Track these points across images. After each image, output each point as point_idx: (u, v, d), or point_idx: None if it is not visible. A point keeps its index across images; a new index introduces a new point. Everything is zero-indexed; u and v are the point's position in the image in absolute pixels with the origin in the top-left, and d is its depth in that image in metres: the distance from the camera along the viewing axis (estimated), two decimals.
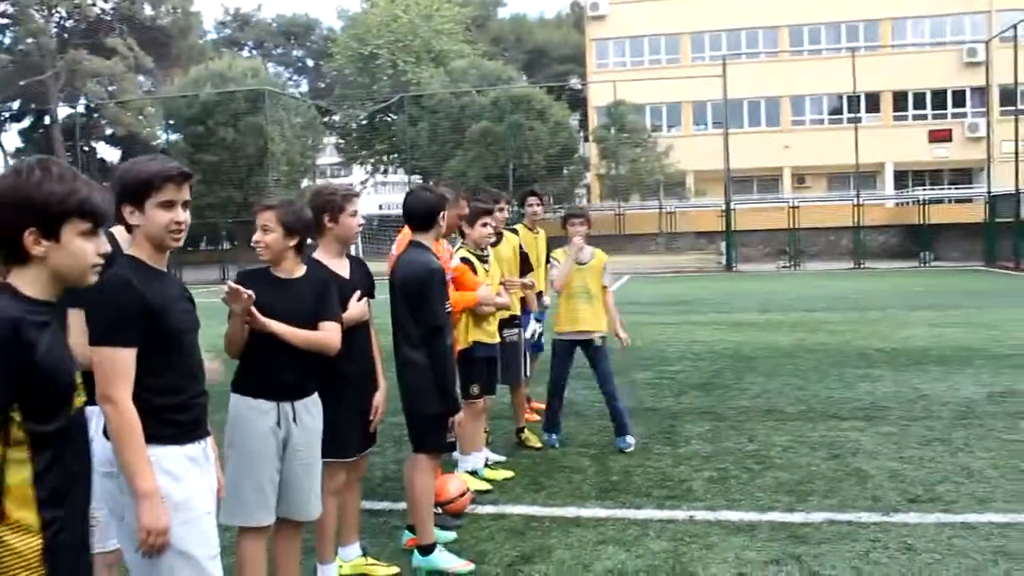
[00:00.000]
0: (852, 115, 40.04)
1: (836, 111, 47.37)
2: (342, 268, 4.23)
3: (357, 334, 4.14)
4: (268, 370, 3.64)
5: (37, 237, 2.09)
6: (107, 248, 2.22)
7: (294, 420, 3.68)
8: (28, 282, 2.10)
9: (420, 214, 4.64)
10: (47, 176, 2.10)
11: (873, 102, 45.47)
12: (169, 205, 2.74)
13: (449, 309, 4.58)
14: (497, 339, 6.04)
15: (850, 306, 17.63)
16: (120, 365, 2.61)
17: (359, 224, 4.27)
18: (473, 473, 6.04)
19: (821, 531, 4.87)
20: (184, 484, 2.74)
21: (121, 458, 2.61)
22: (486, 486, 5.90)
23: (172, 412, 2.75)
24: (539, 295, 7.44)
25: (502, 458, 6.58)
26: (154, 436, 2.67)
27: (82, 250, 2.15)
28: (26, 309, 2.05)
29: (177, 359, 2.78)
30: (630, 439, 6.83)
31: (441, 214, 4.65)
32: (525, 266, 7.01)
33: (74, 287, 2.21)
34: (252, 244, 3.75)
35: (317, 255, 4.18)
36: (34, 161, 2.15)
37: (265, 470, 3.61)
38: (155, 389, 2.70)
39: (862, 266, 32.11)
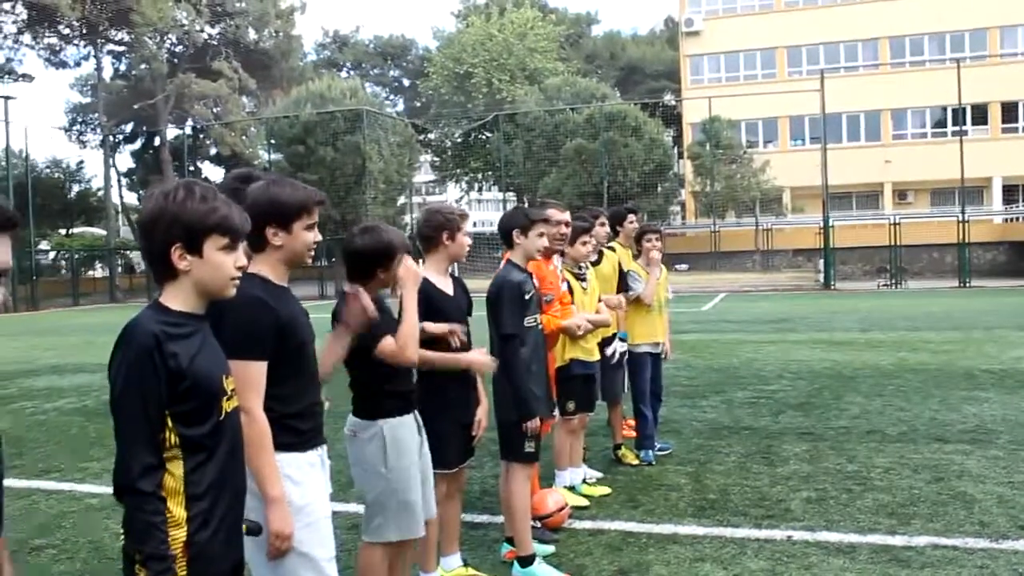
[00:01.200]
0: (957, 128, 38.86)
1: (940, 124, 46.05)
2: (446, 285, 4.40)
3: (459, 350, 4.30)
4: (404, 384, 3.82)
5: (183, 252, 2.29)
6: (244, 262, 2.42)
7: (419, 429, 3.90)
8: (175, 296, 2.32)
9: (501, 234, 4.96)
10: (190, 196, 2.30)
11: (980, 114, 44.03)
12: (311, 227, 3.02)
13: (531, 323, 4.73)
14: (596, 356, 6.10)
15: (954, 325, 17.10)
16: (253, 377, 2.78)
17: (469, 244, 4.43)
18: (571, 489, 6.11)
19: (924, 555, 4.79)
20: (305, 489, 2.91)
21: (253, 465, 2.75)
22: (584, 502, 5.96)
23: (295, 420, 2.93)
24: None
25: (600, 474, 6.64)
26: (279, 443, 2.84)
27: (223, 263, 2.35)
28: (169, 322, 2.26)
29: (301, 369, 2.96)
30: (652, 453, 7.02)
31: (514, 231, 4.84)
32: (623, 284, 7.04)
33: (216, 298, 2.40)
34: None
35: (424, 271, 4.35)
36: (180, 183, 2.36)
37: (419, 482, 3.83)
38: (280, 398, 2.87)
39: (968, 284, 31.04)
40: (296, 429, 2.93)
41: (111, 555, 5.20)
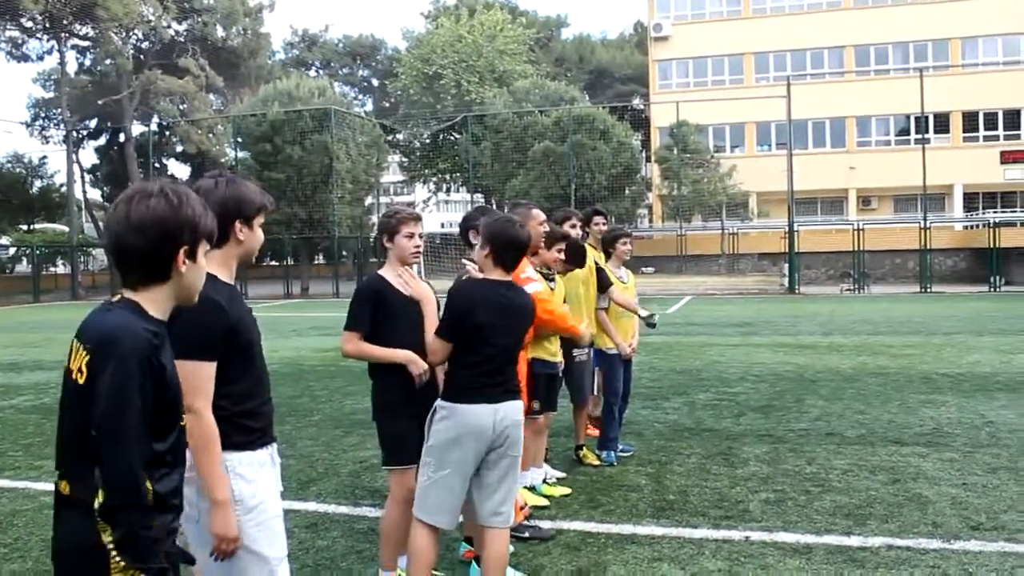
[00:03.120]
0: (920, 136, 39.42)
1: (903, 132, 46.68)
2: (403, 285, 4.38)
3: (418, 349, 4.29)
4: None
5: (185, 257, 2.24)
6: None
7: None
8: (154, 301, 2.23)
9: (459, 230, 5.04)
10: (191, 200, 2.26)
11: (942, 123, 44.69)
12: (261, 225, 3.09)
13: None
14: (559, 358, 6.10)
15: (915, 330, 17.34)
16: (203, 378, 2.76)
17: (415, 246, 4.38)
18: (531, 488, 6.11)
19: (879, 556, 4.84)
20: (256, 487, 2.88)
21: (200, 466, 2.74)
22: (544, 502, 5.97)
23: (246, 419, 2.91)
24: None
25: (562, 474, 6.64)
26: (231, 442, 2.82)
27: (204, 268, 2.34)
28: (153, 329, 2.17)
29: (251, 368, 2.94)
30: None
31: (469, 232, 4.90)
32: (601, 283, 6.98)
33: (184, 304, 2.34)
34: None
35: (383, 272, 4.34)
36: (170, 185, 2.27)
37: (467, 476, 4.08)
38: (231, 397, 2.85)
39: (929, 290, 31.48)
40: (247, 427, 2.91)
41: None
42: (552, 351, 5.99)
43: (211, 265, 2.91)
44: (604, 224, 7.63)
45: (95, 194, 57.08)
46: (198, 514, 2.84)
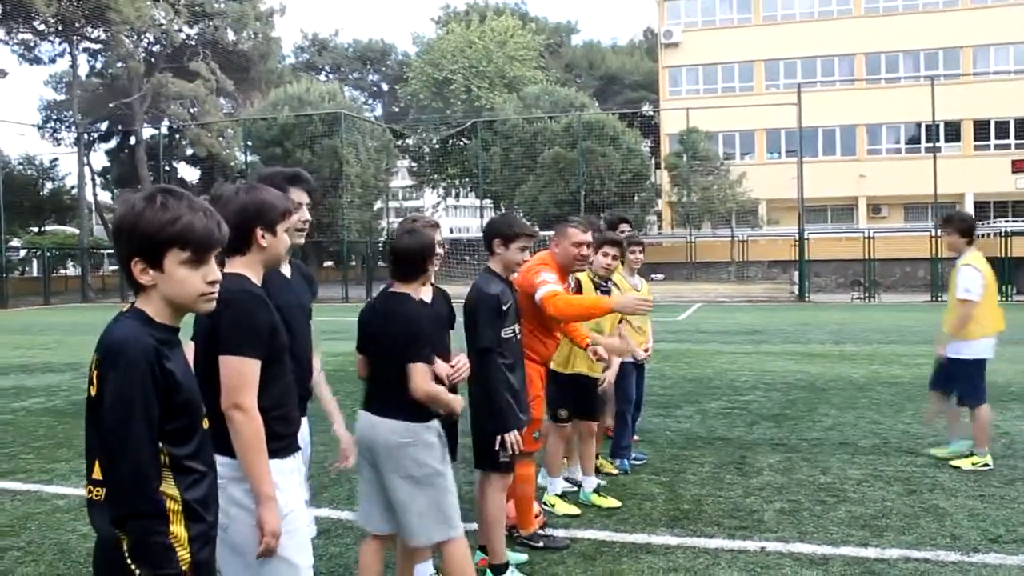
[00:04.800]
0: (931, 144, 39.30)
1: (914, 140, 46.57)
2: (425, 294, 4.34)
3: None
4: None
5: (144, 267, 2.16)
6: (217, 275, 2.27)
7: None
8: (151, 307, 2.21)
9: (484, 239, 4.90)
10: (150, 205, 2.16)
11: (953, 131, 44.59)
12: (287, 230, 3.09)
13: (508, 335, 4.65)
14: (599, 373, 6.10)
15: (926, 339, 17.20)
16: (249, 374, 2.74)
17: (439, 255, 4.33)
18: (562, 496, 6.09)
19: (897, 568, 4.80)
20: (287, 495, 2.86)
21: (249, 463, 2.71)
22: (575, 511, 5.93)
23: (278, 424, 2.88)
24: None
25: (603, 482, 6.55)
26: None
27: (186, 279, 2.19)
28: (159, 336, 2.16)
29: (283, 373, 2.92)
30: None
31: (495, 240, 4.76)
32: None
33: (183, 309, 2.27)
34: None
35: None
36: (153, 190, 2.23)
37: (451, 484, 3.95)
38: (266, 401, 2.81)
39: (940, 299, 31.33)
40: (279, 434, 2.90)
41: (77, 558, 5.12)
42: (594, 366, 5.97)
43: (239, 268, 2.93)
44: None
45: (105, 197, 57.20)
46: (228, 522, 2.80)
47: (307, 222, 3.60)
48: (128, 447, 2.04)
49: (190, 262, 2.18)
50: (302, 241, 3.59)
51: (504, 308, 4.62)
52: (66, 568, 5.01)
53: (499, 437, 4.53)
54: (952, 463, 7.11)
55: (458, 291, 5.16)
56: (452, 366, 4.08)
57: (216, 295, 2.28)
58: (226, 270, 2.94)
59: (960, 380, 7.31)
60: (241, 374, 2.71)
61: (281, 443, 2.90)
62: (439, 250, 4.31)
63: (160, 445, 2.12)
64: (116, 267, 46.46)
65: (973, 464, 7.01)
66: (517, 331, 4.76)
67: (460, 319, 4.53)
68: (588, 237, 5.45)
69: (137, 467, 2.05)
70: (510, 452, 4.60)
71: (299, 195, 3.54)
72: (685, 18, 50.62)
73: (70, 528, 5.72)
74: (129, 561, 2.06)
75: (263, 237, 2.97)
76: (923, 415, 8.06)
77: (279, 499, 2.80)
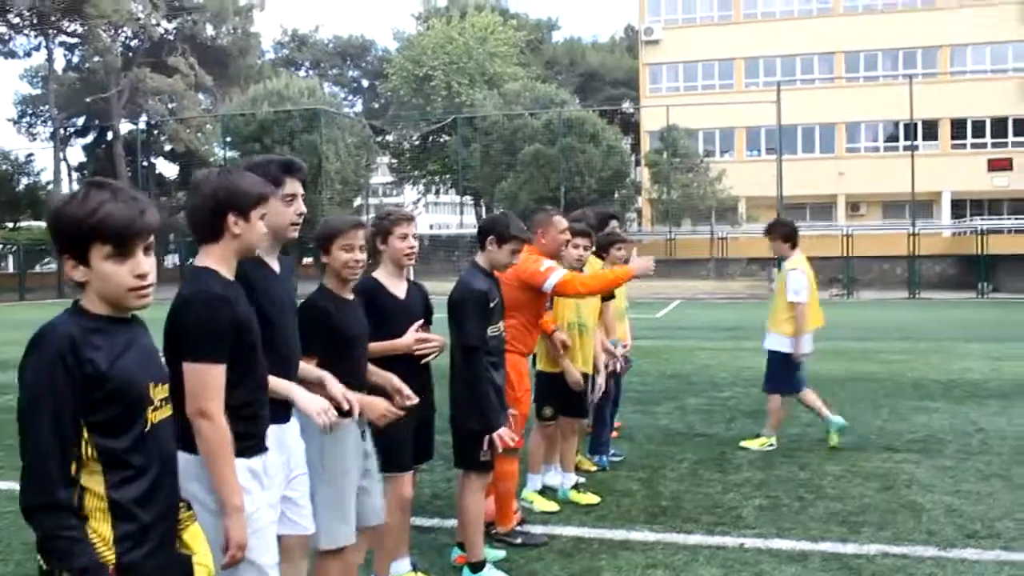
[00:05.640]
0: (908, 143, 39.62)
1: (892, 138, 46.83)
2: (398, 288, 4.30)
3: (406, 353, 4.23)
4: (347, 388, 3.54)
5: (74, 263, 2.07)
6: (144, 269, 2.11)
7: (363, 434, 3.79)
8: (91, 300, 2.12)
9: (478, 233, 4.81)
10: (73, 200, 2.06)
11: (930, 130, 44.91)
12: (263, 217, 2.91)
13: (494, 333, 4.60)
14: (589, 368, 6.06)
15: (903, 336, 17.36)
16: (215, 380, 2.65)
17: (410, 247, 4.28)
18: (541, 492, 6.05)
19: (875, 563, 4.80)
20: (252, 496, 2.80)
21: (214, 472, 2.64)
22: (554, 507, 5.89)
23: (244, 424, 2.81)
24: None
25: (582, 479, 6.48)
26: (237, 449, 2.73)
27: (112, 274, 2.07)
28: (87, 325, 2.06)
29: (252, 372, 2.84)
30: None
31: (489, 237, 4.68)
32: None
33: (113, 304, 2.14)
34: (351, 263, 3.75)
35: (376, 275, 4.26)
36: (83, 184, 2.13)
37: (355, 487, 3.71)
38: (230, 401, 2.73)
39: (917, 296, 31.59)
40: (245, 434, 2.82)
41: None
42: (583, 358, 5.95)
43: (209, 260, 2.81)
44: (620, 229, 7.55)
45: None
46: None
47: (302, 215, 3.43)
48: (30, 439, 1.98)
49: (112, 256, 2.06)
50: (296, 235, 3.42)
51: (491, 306, 4.57)
52: (34, 568, 4.89)
53: (487, 437, 4.48)
54: (742, 443, 7.65)
55: (437, 287, 5.11)
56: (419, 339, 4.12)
57: (148, 290, 2.13)
58: (196, 262, 2.86)
59: (775, 370, 7.83)
60: (204, 381, 2.63)
61: (248, 442, 2.83)
62: (412, 243, 4.25)
63: (86, 437, 2.03)
64: None
65: (761, 445, 7.59)
66: (501, 328, 4.71)
67: (439, 315, 4.49)
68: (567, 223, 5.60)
69: (38, 459, 1.97)
70: (492, 451, 4.55)
71: (294, 185, 3.38)
72: (666, 15, 50.66)
73: None
74: (38, 555, 2.02)
75: (235, 224, 2.81)
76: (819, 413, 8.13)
77: (244, 500, 2.74)
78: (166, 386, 2.27)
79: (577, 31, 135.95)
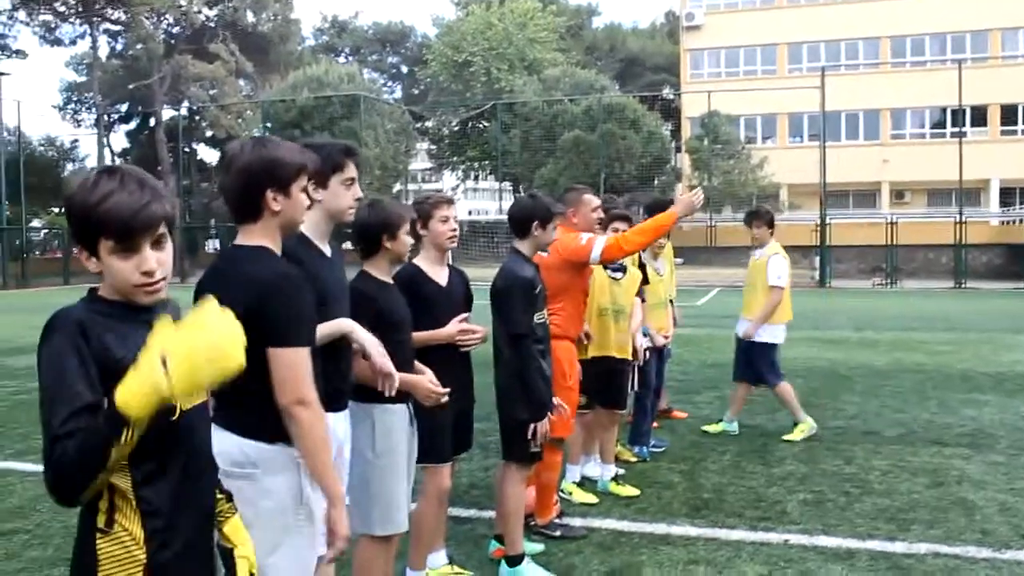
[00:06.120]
0: (956, 129, 38.73)
1: (939, 124, 45.90)
2: (439, 275, 4.22)
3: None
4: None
5: (87, 255, 1.95)
6: (151, 266, 1.95)
7: (411, 419, 3.75)
8: (106, 288, 2.00)
9: (514, 222, 4.63)
10: (80, 190, 1.93)
11: (979, 116, 43.90)
12: (305, 191, 2.72)
13: (539, 320, 4.49)
14: (626, 354, 5.93)
15: (950, 327, 16.99)
16: (305, 365, 2.53)
17: (452, 230, 4.20)
18: (580, 484, 5.96)
19: (925, 564, 4.64)
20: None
21: (315, 462, 2.54)
22: (593, 499, 5.81)
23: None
24: None
25: (621, 470, 6.39)
26: (281, 436, 2.60)
27: (118, 271, 1.93)
28: (100, 310, 1.94)
29: (315, 357, 2.69)
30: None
31: (533, 223, 4.54)
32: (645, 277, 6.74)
33: (122, 294, 2.00)
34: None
35: (417, 261, 4.19)
36: (94, 171, 1.99)
37: (406, 473, 3.69)
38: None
39: (963, 286, 30.96)
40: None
41: None
42: (619, 344, 5.81)
43: (257, 239, 2.64)
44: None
45: None
46: (252, 517, 2.54)
47: (359, 199, 3.31)
48: (44, 422, 1.83)
49: (117, 251, 1.92)
50: (352, 219, 3.34)
51: (536, 292, 4.47)
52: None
53: (532, 426, 4.38)
54: (784, 437, 7.54)
55: (476, 274, 5.02)
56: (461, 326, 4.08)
57: (157, 285, 1.98)
58: (240, 241, 2.68)
59: (760, 362, 7.78)
60: (298, 366, 2.49)
61: None
62: (453, 226, 4.18)
63: None
64: None
65: (801, 434, 7.53)
66: (546, 316, 4.60)
67: (480, 302, 4.40)
68: (598, 201, 5.54)
69: (57, 437, 1.79)
70: (540, 441, 4.45)
71: (352, 169, 3.25)
72: (707, 0, 50.06)
73: (78, 511, 5.60)
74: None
75: (275, 200, 2.61)
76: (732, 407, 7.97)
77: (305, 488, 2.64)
78: None
79: (617, 16, 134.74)
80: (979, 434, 7.69)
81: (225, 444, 2.53)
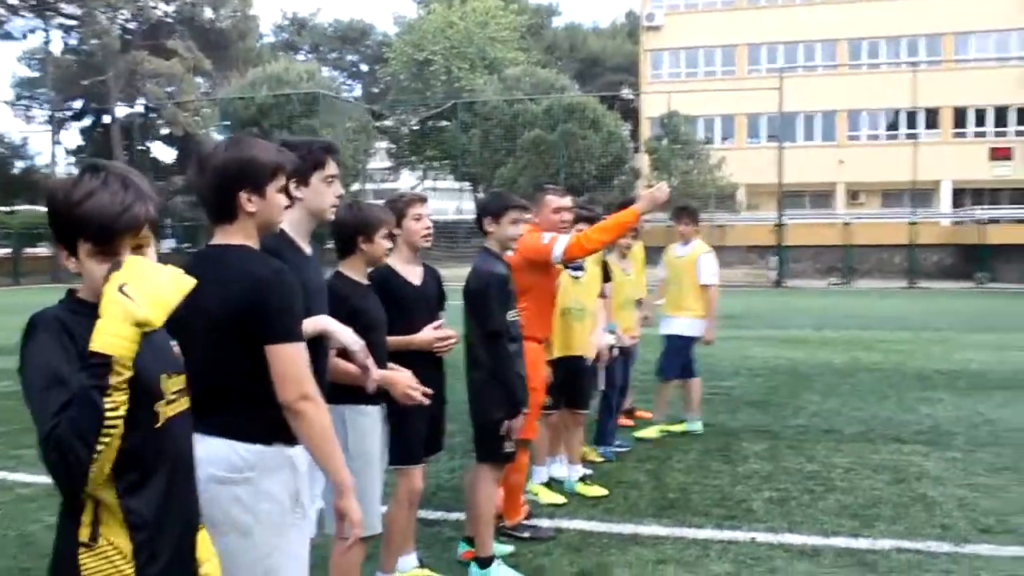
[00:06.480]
0: (910, 131, 39.43)
1: (893, 126, 46.58)
2: (412, 274, 4.20)
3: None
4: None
5: (67, 254, 1.92)
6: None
7: (386, 418, 3.76)
8: (85, 290, 1.96)
9: (476, 220, 4.67)
10: (63, 187, 1.90)
11: (932, 118, 44.68)
12: (282, 190, 2.68)
13: (512, 318, 4.48)
14: (590, 352, 5.93)
15: (904, 326, 17.27)
16: (305, 360, 2.50)
17: (426, 228, 4.20)
18: (547, 485, 5.96)
19: (890, 559, 4.70)
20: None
21: (327, 454, 2.52)
22: (561, 499, 5.82)
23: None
24: None
25: (588, 470, 6.36)
26: (285, 437, 2.56)
27: (91, 272, 1.89)
28: (80, 311, 1.89)
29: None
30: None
31: (485, 219, 4.56)
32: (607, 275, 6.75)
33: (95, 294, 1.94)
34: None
35: (390, 261, 4.14)
36: (80, 167, 1.98)
37: (380, 473, 3.70)
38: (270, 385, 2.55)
39: (916, 285, 31.51)
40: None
41: (42, 550, 4.92)
42: (569, 345, 5.79)
43: (234, 239, 2.59)
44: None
45: None
46: (251, 525, 2.52)
47: (340, 196, 3.28)
48: (36, 415, 1.77)
49: (95, 254, 1.88)
50: (332, 218, 3.30)
51: (509, 288, 4.46)
52: (30, 561, 4.77)
53: (506, 423, 4.36)
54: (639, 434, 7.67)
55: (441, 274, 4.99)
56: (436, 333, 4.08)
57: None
58: (220, 241, 2.61)
59: (678, 355, 7.99)
60: (298, 363, 2.46)
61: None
62: (427, 224, 4.17)
63: None
64: None
65: (672, 429, 7.76)
66: (516, 313, 4.59)
67: (451, 303, 4.39)
68: (567, 201, 5.36)
69: (46, 417, 1.74)
70: (512, 440, 4.44)
71: (333, 167, 3.21)
72: (668, 1, 50.37)
73: (35, 519, 5.47)
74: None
75: (249, 201, 2.55)
76: (656, 408, 8.10)
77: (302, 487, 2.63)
78: (182, 377, 2.08)
79: (578, 16, 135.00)
80: (936, 431, 7.83)
81: (219, 451, 2.47)
